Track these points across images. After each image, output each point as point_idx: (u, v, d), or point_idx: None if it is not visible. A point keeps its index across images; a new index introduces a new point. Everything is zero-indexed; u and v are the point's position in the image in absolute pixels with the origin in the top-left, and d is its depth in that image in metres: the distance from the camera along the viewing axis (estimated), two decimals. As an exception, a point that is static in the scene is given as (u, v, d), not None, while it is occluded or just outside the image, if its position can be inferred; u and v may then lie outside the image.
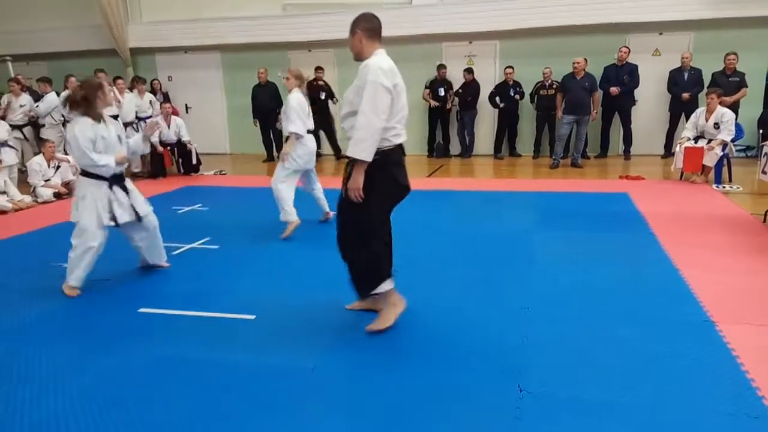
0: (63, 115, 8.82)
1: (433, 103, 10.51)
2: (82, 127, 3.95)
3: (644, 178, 7.89)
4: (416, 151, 11.04)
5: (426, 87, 10.66)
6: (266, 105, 10.48)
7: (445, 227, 5.75)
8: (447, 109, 10.66)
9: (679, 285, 3.94)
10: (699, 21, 9.36)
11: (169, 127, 9.30)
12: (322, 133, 10.68)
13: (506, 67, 10.14)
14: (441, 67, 10.55)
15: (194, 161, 9.53)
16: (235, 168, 10.50)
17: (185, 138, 9.45)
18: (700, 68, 9.20)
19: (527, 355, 3.01)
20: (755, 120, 9.21)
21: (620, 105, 9.59)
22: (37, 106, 9.23)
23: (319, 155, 10.88)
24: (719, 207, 6.19)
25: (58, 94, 9.31)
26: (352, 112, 3.04)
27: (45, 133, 9.13)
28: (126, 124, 9.14)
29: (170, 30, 11.71)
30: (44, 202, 7.48)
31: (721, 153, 7.35)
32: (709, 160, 7.35)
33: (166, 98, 11.14)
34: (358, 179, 3.00)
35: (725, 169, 7.56)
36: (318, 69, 10.64)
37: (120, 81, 9.58)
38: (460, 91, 10.48)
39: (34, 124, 9.45)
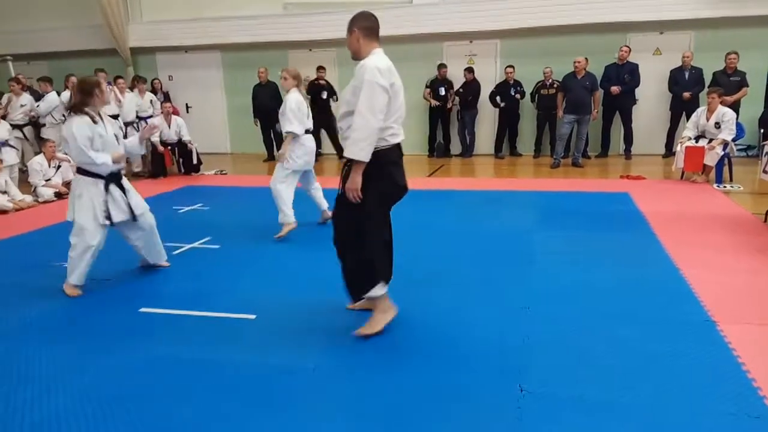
0: (64, 115, 8.82)
1: (434, 102, 10.51)
2: (79, 124, 3.93)
3: (645, 178, 7.88)
4: (417, 151, 11.03)
5: (427, 86, 10.65)
6: (267, 104, 10.48)
7: (446, 227, 5.74)
8: (447, 109, 10.66)
9: (680, 284, 3.93)
10: (700, 20, 9.34)
11: (169, 127, 9.30)
12: (323, 133, 10.69)
13: (507, 67, 10.13)
14: (441, 66, 10.54)
15: (195, 161, 9.52)
16: (235, 167, 10.50)
17: (186, 138, 9.44)
18: (701, 67, 9.19)
19: (528, 354, 3.00)
20: (756, 119, 9.20)
21: (621, 104, 9.58)
22: (37, 106, 9.24)
23: (320, 154, 10.91)
24: (720, 206, 6.18)
25: (58, 94, 9.32)
26: (349, 112, 3.02)
27: (45, 133, 9.14)
28: (127, 124, 9.16)
29: (171, 29, 11.71)
30: (45, 202, 7.49)
31: (722, 152, 7.34)
32: (710, 159, 7.34)
33: (166, 98, 11.13)
34: (356, 179, 2.99)
35: (726, 169, 7.54)
36: (320, 68, 10.64)
37: (121, 80, 9.58)
38: (461, 90, 10.48)
39: (35, 123, 9.46)
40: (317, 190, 5.73)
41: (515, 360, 2.95)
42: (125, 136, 5.14)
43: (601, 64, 9.57)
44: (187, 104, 12.45)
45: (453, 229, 5.63)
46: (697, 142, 7.60)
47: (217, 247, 5.23)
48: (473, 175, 9.26)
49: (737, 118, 7.66)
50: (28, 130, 9.42)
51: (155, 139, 9.07)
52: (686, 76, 9.31)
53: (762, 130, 8.77)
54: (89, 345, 3.30)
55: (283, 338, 3.28)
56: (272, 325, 3.48)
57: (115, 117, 8.66)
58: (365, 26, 3.10)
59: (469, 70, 10.36)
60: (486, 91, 10.40)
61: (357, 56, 3.13)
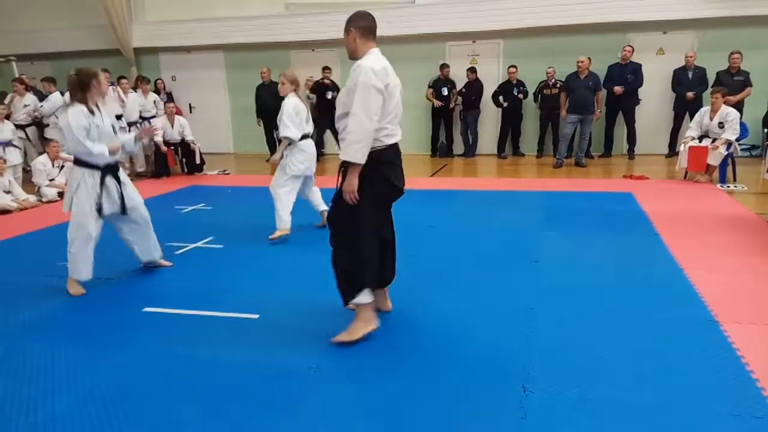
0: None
1: (437, 102, 10.50)
2: (75, 114, 3.92)
3: (648, 178, 7.87)
4: (419, 151, 11.04)
5: (429, 86, 10.64)
6: (270, 105, 10.46)
7: (449, 227, 5.74)
8: (450, 109, 10.65)
9: (683, 285, 3.93)
10: (703, 20, 9.32)
11: (172, 127, 9.31)
12: (328, 133, 10.70)
13: (510, 67, 10.13)
14: (444, 66, 10.54)
15: (198, 161, 9.53)
16: (238, 167, 10.51)
17: (189, 137, 9.45)
18: (704, 67, 9.17)
19: (531, 355, 3.00)
20: (760, 119, 9.18)
21: (624, 104, 9.57)
22: (41, 106, 9.27)
23: (322, 154, 10.93)
24: (724, 206, 6.17)
25: (62, 94, 9.34)
26: (345, 114, 3.00)
27: (49, 133, 9.16)
28: (130, 124, 9.19)
29: (174, 30, 11.74)
30: (49, 202, 7.51)
31: (726, 152, 7.33)
32: (714, 159, 7.33)
33: (169, 98, 11.15)
34: (353, 181, 2.97)
35: (730, 169, 7.54)
36: (325, 69, 10.64)
37: (124, 81, 9.60)
38: (464, 90, 10.47)
39: (38, 123, 9.49)
40: (315, 194, 5.62)
41: (518, 360, 2.95)
42: None
43: (605, 64, 9.56)
44: (190, 104, 12.47)
45: (456, 229, 5.63)
46: (700, 141, 7.58)
47: (220, 246, 5.23)
48: (476, 175, 9.26)
49: (741, 118, 7.64)
50: (31, 130, 9.45)
51: (158, 139, 9.09)
52: (689, 75, 9.29)
53: (765, 130, 8.74)
54: (93, 345, 3.31)
55: (286, 338, 3.28)
56: (275, 324, 3.49)
57: (118, 117, 8.70)
58: (362, 26, 3.09)
59: (472, 70, 10.36)
60: (489, 90, 10.39)
61: (353, 56, 3.11)
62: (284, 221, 5.24)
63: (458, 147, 10.99)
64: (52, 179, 7.78)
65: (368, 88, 2.88)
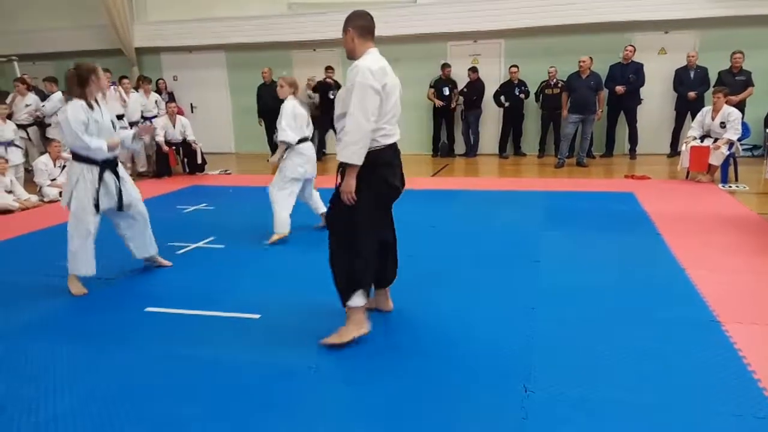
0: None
1: (438, 102, 10.50)
2: (74, 109, 3.91)
3: (650, 178, 7.86)
4: (421, 151, 11.05)
5: (431, 86, 10.64)
6: (271, 104, 10.45)
7: (450, 227, 5.74)
8: (451, 109, 10.65)
9: (685, 285, 3.92)
10: (705, 19, 9.31)
11: (174, 127, 9.31)
12: (331, 133, 10.70)
13: (511, 66, 10.12)
14: (445, 66, 10.54)
15: (199, 161, 9.53)
16: (240, 167, 10.52)
17: (190, 137, 9.46)
18: (706, 67, 9.17)
19: (532, 355, 3.00)
20: (762, 119, 9.18)
21: (626, 104, 9.56)
22: (43, 106, 9.28)
23: (324, 154, 10.93)
24: (725, 206, 6.16)
25: (64, 94, 9.36)
26: (343, 114, 2.99)
27: (51, 133, 9.17)
28: (132, 124, 9.18)
29: (175, 30, 11.75)
30: (50, 202, 7.52)
31: (728, 152, 7.32)
32: (716, 159, 7.32)
33: (171, 98, 11.16)
34: (350, 182, 2.96)
35: (731, 169, 7.52)
36: (328, 68, 10.64)
37: (125, 80, 9.61)
38: (465, 90, 10.47)
39: (40, 123, 9.50)
40: (314, 197, 5.55)
41: (519, 360, 2.94)
42: None
43: (606, 64, 9.55)
44: (191, 104, 12.48)
45: (457, 229, 5.63)
46: (702, 141, 7.57)
47: (221, 246, 5.24)
48: (477, 174, 9.26)
49: (743, 118, 7.64)
50: (32, 130, 9.46)
51: (160, 139, 9.10)
52: (691, 75, 9.29)
53: (767, 130, 8.73)
54: (94, 344, 3.31)
55: (287, 338, 3.28)
56: (276, 324, 3.49)
57: (120, 117, 8.71)
58: (360, 25, 3.07)
59: (473, 69, 10.35)
60: (490, 90, 10.39)
61: (352, 56, 3.10)
62: (283, 224, 5.20)
63: (459, 147, 10.99)
64: (54, 179, 7.79)
65: (365, 89, 2.87)
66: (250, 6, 11.31)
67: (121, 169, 4.28)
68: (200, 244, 5.31)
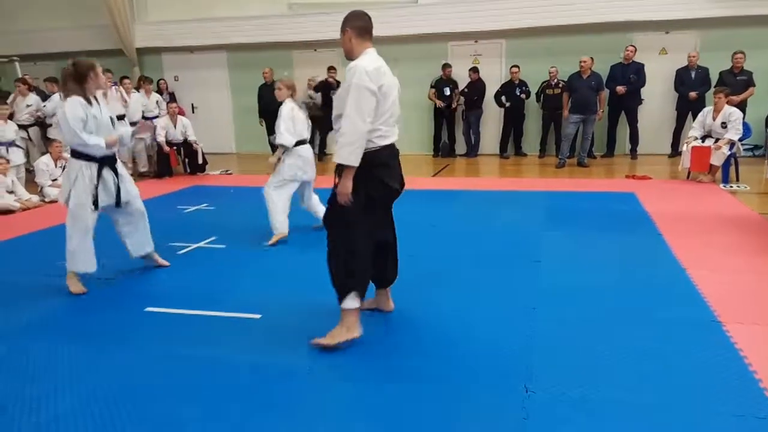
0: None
1: (440, 103, 10.50)
2: (72, 106, 3.91)
3: (651, 178, 7.85)
4: (422, 151, 11.05)
5: (431, 87, 10.64)
6: (272, 104, 10.45)
7: (451, 227, 5.74)
8: (452, 109, 10.65)
9: (686, 285, 3.92)
10: (706, 19, 9.31)
11: (175, 127, 9.32)
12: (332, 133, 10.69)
13: (512, 66, 10.13)
14: (446, 66, 10.54)
15: (200, 161, 9.54)
16: (241, 167, 10.52)
17: (191, 138, 9.46)
18: (707, 67, 9.16)
19: (533, 355, 3.00)
20: (763, 119, 9.17)
21: (627, 104, 9.56)
22: (44, 106, 9.28)
23: (325, 154, 10.93)
24: (727, 207, 6.16)
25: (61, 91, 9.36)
26: (341, 115, 2.98)
27: (52, 133, 9.17)
28: (132, 124, 9.18)
29: (176, 30, 11.76)
30: (51, 202, 7.51)
31: (729, 152, 7.31)
32: (717, 159, 7.31)
33: (172, 98, 11.17)
34: (347, 184, 2.95)
35: (732, 169, 7.52)
36: (330, 69, 10.64)
37: (127, 81, 9.62)
38: (466, 90, 10.46)
39: (41, 124, 9.50)
40: (314, 201, 5.50)
41: (520, 360, 2.94)
42: None
43: (607, 64, 9.55)
44: (192, 104, 12.49)
45: (458, 229, 5.63)
46: (703, 141, 7.57)
47: (222, 246, 5.24)
48: (478, 174, 9.26)
49: (744, 118, 7.64)
50: (33, 130, 9.46)
51: (161, 139, 9.11)
52: (692, 75, 9.28)
53: (768, 130, 8.74)
54: (95, 344, 3.31)
55: (288, 338, 3.28)
56: (277, 324, 3.49)
57: (121, 117, 8.71)
58: (358, 26, 3.06)
59: (474, 69, 10.35)
60: (491, 90, 10.39)
61: (350, 56, 3.09)
62: (280, 225, 5.19)
63: (460, 147, 10.99)
64: (55, 179, 7.78)
65: (361, 90, 2.87)
66: (251, 6, 11.31)
67: (120, 166, 4.27)
68: (201, 244, 5.31)
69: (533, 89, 10.16)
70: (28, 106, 9.25)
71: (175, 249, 5.12)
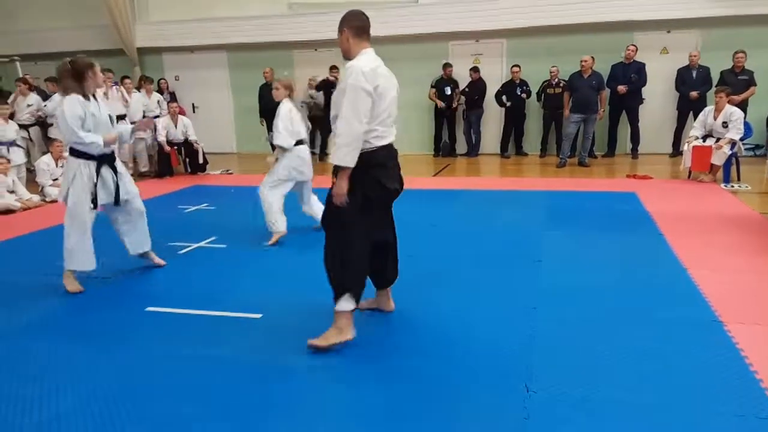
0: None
1: (440, 103, 10.49)
2: (70, 103, 3.91)
3: (652, 177, 7.85)
4: (422, 150, 11.05)
5: (432, 86, 10.64)
6: (273, 104, 10.46)
7: (451, 226, 5.73)
8: (453, 108, 10.65)
9: (687, 285, 3.91)
10: (707, 19, 9.30)
11: (176, 127, 9.32)
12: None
13: (513, 66, 10.12)
14: (447, 65, 10.53)
15: (201, 160, 9.55)
16: (241, 167, 10.52)
17: (192, 137, 9.47)
18: (708, 66, 9.15)
19: (534, 355, 3.00)
20: (764, 118, 9.17)
21: (628, 104, 9.55)
22: (45, 106, 9.28)
23: (326, 154, 10.92)
24: (728, 206, 6.15)
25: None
26: (338, 115, 2.97)
27: (53, 133, 9.17)
28: (133, 123, 9.18)
29: (177, 30, 11.76)
30: (52, 201, 7.51)
31: (730, 152, 7.31)
32: (718, 159, 7.31)
33: (173, 98, 11.17)
34: (342, 185, 2.93)
35: (734, 168, 7.51)
36: (333, 68, 10.63)
37: (127, 81, 9.62)
38: (467, 89, 10.46)
39: (42, 123, 9.51)
40: (313, 205, 5.47)
41: (521, 360, 2.94)
42: None
43: (608, 63, 9.54)
44: (193, 104, 12.49)
45: (458, 229, 5.62)
46: (704, 141, 7.56)
47: (223, 246, 5.24)
48: (479, 174, 9.26)
49: (745, 118, 7.63)
50: (34, 130, 9.47)
51: (162, 139, 9.11)
52: (693, 75, 9.28)
53: (770, 130, 8.73)
54: (96, 344, 3.31)
55: (288, 338, 3.27)
56: (277, 324, 3.49)
57: (122, 117, 8.72)
58: (355, 26, 3.05)
59: (475, 69, 10.35)
60: (492, 90, 10.38)
61: (347, 56, 3.08)
62: (277, 224, 5.18)
63: (461, 146, 10.98)
64: (56, 179, 7.78)
65: (357, 91, 2.85)
66: (251, 6, 11.31)
67: (118, 164, 4.27)
68: (202, 243, 5.31)
69: (534, 89, 10.16)
70: (28, 105, 9.25)
71: (175, 249, 5.12)
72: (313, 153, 9.97)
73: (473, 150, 10.73)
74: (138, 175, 9.37)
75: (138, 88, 9.93)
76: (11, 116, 8.61)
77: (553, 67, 9.76)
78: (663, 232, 5.19)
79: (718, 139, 7.42)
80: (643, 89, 9.56)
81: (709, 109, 7.70)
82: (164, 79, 11.68)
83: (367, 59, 2.99)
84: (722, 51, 9.04)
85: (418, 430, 2.41)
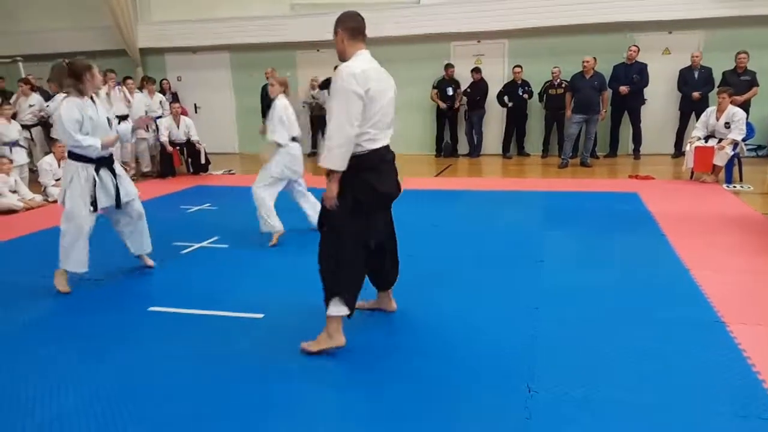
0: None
1: (442, 104, 10.49)
2: (68, 107, 3.90)
3: (654, 178, 7.84)
4: (424, 151, 11.05)
5: (434, 87, 10.64)
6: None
7: (454, 227, 5.73)
8: (455, 109, 10.64)
9: (689, 285, 3.91)
10: (709, 19, 9.29)
11: (178, 127, 9.33)
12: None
13: (515, 67, 10.11)
14: (449, 66, 10.53)
15: (203, 161, 9.56)
16: (243, 167, 10.52)
17: (194, 138, 9.48)
18: (711, 67, 9.14)
19: (536, 355, 3.00)
20: (766, 119, 9.14)
21: (630, 104, 9.54)
22: (47, 106, 9.29)
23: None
24: (730, 207, 6.14)
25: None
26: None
27: (55, 133, 9.17)
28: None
29: (179, 30, 11.77)
30: (55, 202, 7.52)
31: (732, 152, 7.29)
32: (720, 159, 7.30)
33: (175, 98, 11.19)
34: (332, 188, 2.90)
35: (736, 169, 7.49)
36: (336, 69, 10.62)
37: (130, 81, 9.63)
38: (469, 90, 10.46)
39: (44, 123, 9.52)
40: (308, 200, 5.46)
41: (523, 360, 2.94)
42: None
43: (610, 64, 9.53)
44: (195, 105, 12.50)
45: (460, 229, 5.62)
46: (706, 142, 7.55)
47: (225, 246, 5.24)
48: (481, 175, 9.25)
49: (747, 118, 7.61)
50: (36, 130, 9.47)
51: (164, 139, 9.13)
52: (696, 75, 9.26)
53: (772, 130, 8.71)
54: (98, 344, 3.32)
55: (290, 338, 3.27)
56: (279, 324, 3.49)
57: (124, 117, 8.72)
58: (350, 27, 3.01)
59: (477, 70, 10.34)
60: (494, 91, 10.37)
61: (342, 57, 3.03)
62: (274, 224, 5.18)
63: (463, 147, 10.98)
64: (58, 179, 7.79)
65: (347, 94, 2.81)
66: (253, 6, 11.32)
67: (117, 166, 4.27)
68: (204, 243, 5.32)
69: (536, 89, 10.14)
70: (30, 106, 9.26)
71: (178, 249, 5.13)
72: (314, 153, 10.02)
73: (475, 150, 10.72)
74: (140, 176, 9.40)
75: (140, 89, 9.93)
76: (13, 116, 8.62)
77: (555, 67, 9.76)
78: (665, 232, 5.18)
79: (720, 140, 7.41)
80: (645, 90, 9.55)
81: (711, 110, 7.69)
82: (166, 79, 11.69)
83: (360, 61, 2.94)
84: (724, 51, 9.03)
85: (420, 430, 2.41)
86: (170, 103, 10.01)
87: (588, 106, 9.00)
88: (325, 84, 10.44)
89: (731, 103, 7.52)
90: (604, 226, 5.50)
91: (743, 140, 7.43)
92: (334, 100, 2.85)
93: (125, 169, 4.73)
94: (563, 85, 9.66)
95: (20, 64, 10.92)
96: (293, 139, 5.24)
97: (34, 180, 8.17)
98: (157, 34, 12.01)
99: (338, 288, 3.03)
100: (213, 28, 11.54)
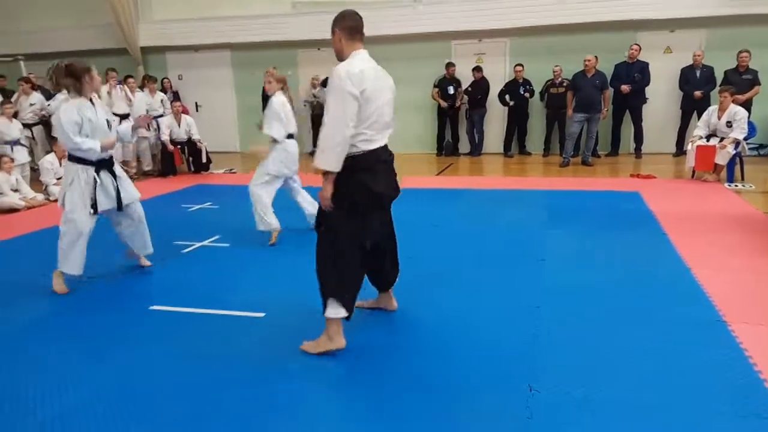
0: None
1: (443, 103, 10.48)
2: (67, 109, 3.90)
3: (655, 177, 7.83)
4: (425, 150, 11.04)
5: (435, 86, 10.63)
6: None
7: (454, 226, 5.72)
8: (456, 108, 10.64)
9: (691, 284, 3.90)
10: (711, 18, 9.27)
11: (179, 126, 9.34)
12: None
13: (516, 65, 10.10)
14: (450, 65, 10.52)
15: (204, 159, 9.56)
16: (245, 166, 10.52)
17: (195, 136, 9.49)
18: (712, 66, 9.12)
19: (538, 354, 2.99)
20: (768, 118, 9.13)
21: (631, 103, 9.53)
22: (48, 105, 9.30)
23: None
24: (731, 206, 6.13)
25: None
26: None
27: (56, 132, 9.18)
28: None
29: (180, 29, 11.77)
30: (56, 200, 7.51)
31: (734, 151, 7.29)
32: (722, 158, 7.29)
33: (176, 97, 11.18)
34: (327, 188, 2.89)
35: (738, 168, 7.49)
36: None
37: (131, 80, 9.63)
38: (470, 89, 10.45)
39: (46, 122, 9.52)
40: (304, 199, 5.46)
41: (524, 360, 2.94)
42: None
43: (611, 63, 9.52)
44: (196, 103, 12.50)
45: (461, 228, 5.62)
46: (708, 140, 7.54)
47: (226, 245, 5.24)
48: (482, 173, 9.24)
49: (749, 117, 7.60)
50: (37, 129, 9.48)
51: (165, 138, 9.13)
52: (697, 74, 9.24)
53: (774, 129, 8.70)
54: (99, 343, 3.32)
55: (291, 337, 3.27)
56: (280, 323, 3.49)
57: (125, 116, 8.74)
58: (348, 26, 2.97)
59: (478, 69, 10.34)
60: (495, 89, 10.37)
61: (340, 57, 3.00)
62: (270, 221, 5.18)
63: (464, 146, 10.97)
64: (60, 178, 7.80)
65: (342, 94, 2.78)
66: (255, 5, 11.31)
67: (117, 168, 4.27)
68: (205, 242, 5.32)
69: (537, 88, 10.13)
70: (31, 104, 9.27)
71: (179, 247, 5.13)
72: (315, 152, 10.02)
73: (476, 149, 10.72)
74: (142, 174, 9.40)
75: (141, 88, 9.94)
76: (15, 115, 8.62)
77: (557, 66, 9.75)
78: (666, 231, 5.17)
79: (722, 139, 7.40)
80: (647, 89, 9.54)
81: (713, 109, 7.68)
82: (168, 78, 11.68)
83: (357, 61, 2.91)
84: (726, 50, 9.01)
85: (420, 430, 2.41)
86: (171, 101, 10.00)
87: (589, 105, 8.99)
88: (326, 83, 10.45)
89: (733, 102, 7.51)
90: (605, 225, 5.50)
91: (745, 139, 7.42)
92: (330, 101, 2.83)
93: (125, 170, 4.72)
94: (564, 84, 9.65)
95: (21, 63, 10.92)
96: (290, 136, 5.23)
97: (35, 179, 8.18)
98: (159, 32, 12.02)
99: (335, 289, 3.02)
100: (214, 26, 11.54)
